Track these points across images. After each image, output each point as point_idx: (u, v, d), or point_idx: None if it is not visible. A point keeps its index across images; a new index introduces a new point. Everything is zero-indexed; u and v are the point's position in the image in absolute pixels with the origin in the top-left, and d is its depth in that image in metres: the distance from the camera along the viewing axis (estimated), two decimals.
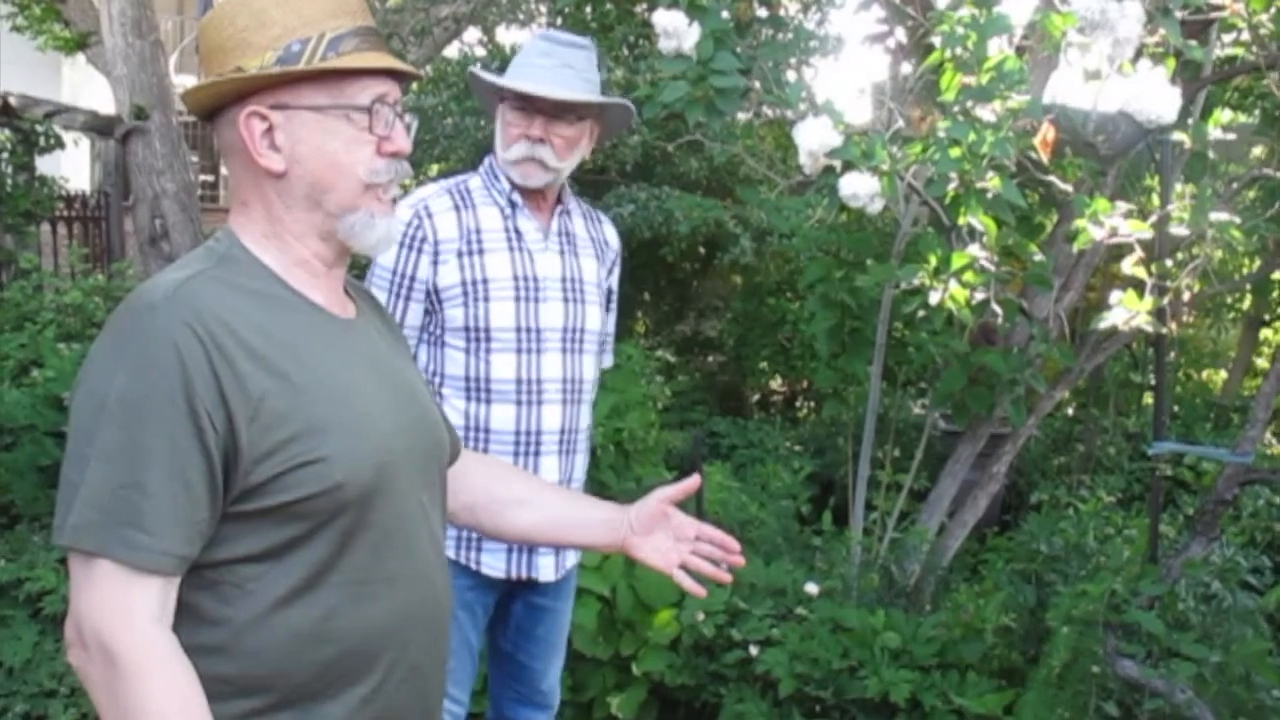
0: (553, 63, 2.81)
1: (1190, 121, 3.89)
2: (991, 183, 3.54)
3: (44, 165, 8.01)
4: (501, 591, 2.98)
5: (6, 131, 7.65)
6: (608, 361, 3.20)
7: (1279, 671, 3.63)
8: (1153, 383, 5.00)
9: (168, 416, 1.53)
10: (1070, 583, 4.23)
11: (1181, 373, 8.64)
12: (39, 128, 7.73)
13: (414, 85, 8.12)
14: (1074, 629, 3.75)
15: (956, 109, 3.56)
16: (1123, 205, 3.65)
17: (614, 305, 3.16)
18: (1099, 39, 3.28)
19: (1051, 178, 3.81)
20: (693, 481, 2.13)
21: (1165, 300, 3.82)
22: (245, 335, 1.60)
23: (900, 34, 4.76)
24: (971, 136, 3.46)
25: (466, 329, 2.81)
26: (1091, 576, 4.15)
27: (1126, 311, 3.64)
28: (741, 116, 6.97)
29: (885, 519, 4.87)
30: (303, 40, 1.68)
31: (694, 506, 4.55)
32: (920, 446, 5.00)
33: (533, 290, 2.85)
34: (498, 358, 2.82)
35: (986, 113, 3.50)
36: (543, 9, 8.72)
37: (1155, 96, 3.32)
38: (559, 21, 7.93)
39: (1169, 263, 3.86)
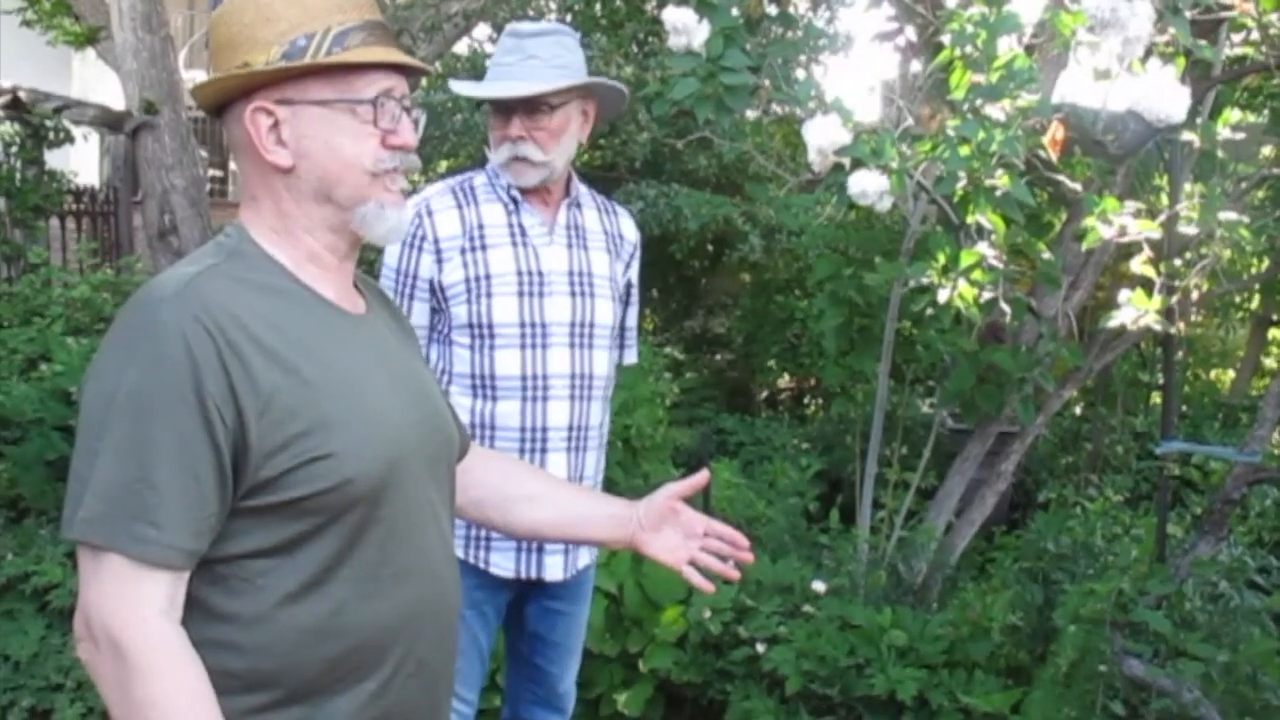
0: (517, 58, 2.78)
1: (1199, 121, 3.88)
2: (1001, 181, 3.53)
3: (53, 160, 8.02)
4: (513, 592, 2.97)
5: (16, 126, 7.67)
6: (630, 358, 3.16)
7: None
8: (1161, 382, 5.00)
9: (177, 411, 1.53)
10: (1078, 582, 4.22)
11: (1190, 372, 8.63)
12: (48, 122, 7.73)
13: (424, 81, 8.13)
14: (1081, 628, 3.74)
15: (966, 107, 3.55)
16: (1132, 204, 3.65)
17: (634, 299, 3.13)
18: (1109, 38, 3.27)
19: (1060, 176, 3.80)
20: (701, 477, 2.12)
21: (1174, 299, 3.82)
22: (255, 330, 1.60)
23: (910, 32, 4.75)
24: (981, 135, 3.46)
25: (471, 325, 2.80)
26: (1099, 575, 4.15)
27: (1135, 310, 3.64)
28: (751, 114, 6.96)
29: (893, 517, 4.86)
30: (308, 35, 1.68)
31: (701, 503, 4.55)
32: (928, 445, 5.00)
33: (537, 285, 2.83)
34: (502, 353, 2.80)
35: (996, 111, 3.49)
36: (553, 5, 8.71)
37: (1165, 96, 3.32)
38: (568, 18, 7.93)
39: (1178, 262, 3.86)
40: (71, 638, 3.91)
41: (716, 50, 3.71)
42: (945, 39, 3.65)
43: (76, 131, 7.99)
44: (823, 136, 3.63)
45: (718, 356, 8.93)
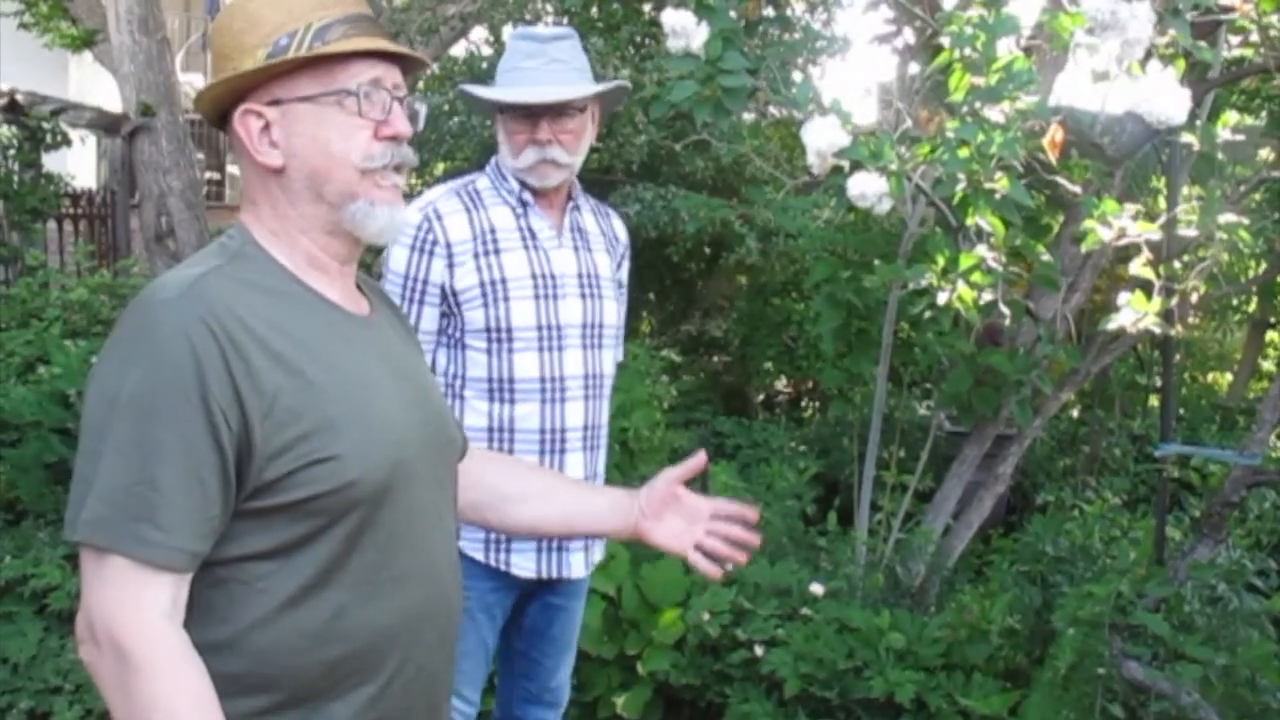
0: (540, 62, 2.80)
1: (1198, 123, 3.88)
2: (999, 183, 3.54)
3: (50, 162, 8.03)
4: (523, 592, 2.98)
5: (13, 128, 7.67)
6: (618, 356, 3.19)
7: None
8: (1159, 384, 5.00)
9: (181, 412, 1.53)
10: (1076, 584, 4.23)
11: (1187, 375, 8.63)
12: (45, 125, 7.75)
13: (420, 84, 8.13)
14: (1079, 630, 3.74)
15: (965, 109, 3.56)
16: (1130, 207, 3.65)
17: (624, 299, 3.16)
18: (1108, 40, 3.27)
19: (1059, 179, 3.81)
20: (698, 460, 2.11)
21: (1173, 302, 3.82)
22: (259, 331, 1.60)
23: (908, 34, 4.75)
24: (979, 137, 3.46)
25: (488, 330, 2.81)
26: (1097, 578, 4.15)
27: (1134, 313, 3.64)
28: (748, 116, 6.96)
29: (890, 520, 4.86)
30: (290, 34, 1.70)
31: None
32: (926, 447, 4.99)
33: (551, 288, 2.85)
34: (520, 357, 2.82)
35: (995, 113, 3.50)
36: (549, 8, 8.71)
37: (1163, 98, 3.32)
38: (565, 20, 7.92)
39: (1176, 264, 3.86)
40: (70, 640, 3.92)
41: (715, 52, 3.71)
42: (944, 41, 3.65)
43: (73, 134, 8.00)
44: (822, 139, 3.63)
45: (715, 359, 8.91)
